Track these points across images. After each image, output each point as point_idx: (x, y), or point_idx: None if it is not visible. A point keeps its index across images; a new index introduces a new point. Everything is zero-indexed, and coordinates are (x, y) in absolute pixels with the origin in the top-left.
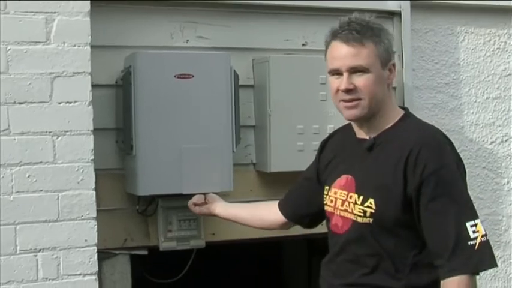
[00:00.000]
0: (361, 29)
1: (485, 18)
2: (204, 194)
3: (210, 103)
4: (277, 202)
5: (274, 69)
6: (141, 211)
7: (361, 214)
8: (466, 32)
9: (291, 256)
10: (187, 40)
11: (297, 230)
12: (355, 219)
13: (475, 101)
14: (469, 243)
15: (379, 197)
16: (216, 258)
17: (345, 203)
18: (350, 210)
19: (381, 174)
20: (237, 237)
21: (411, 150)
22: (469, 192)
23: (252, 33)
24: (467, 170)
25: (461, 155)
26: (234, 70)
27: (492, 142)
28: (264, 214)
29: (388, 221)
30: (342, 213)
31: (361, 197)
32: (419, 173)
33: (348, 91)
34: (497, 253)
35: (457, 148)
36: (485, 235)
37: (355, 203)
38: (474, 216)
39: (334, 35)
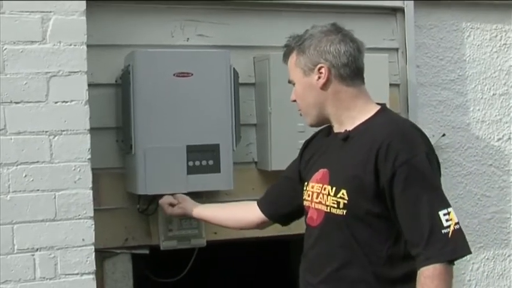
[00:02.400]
0: (289, 45)
1: (491, 14)
2: (172, 194)
3: (210, 101)
4: (254, 202)
5: (274, 67)
6: (142, 210)
7: (335, 205)
8: (471, 28)
9: (297, 255)
10: (188, 38)
11: (303, 228)
12: (328, 210)
13: (481, 98)
14: (442, 231)
15: (351, 187)
16: (219, 256)
17: (319, 196)
18: (324, 202)
19: (353, 165)
20: (240, 236)
21: (382, 141)
22: (476, 190)
23: (253, 31)
24: (473, 168)
25: (467, 153)
26: (234, 68)
27: (499, 139)
28: (241, 214)
29: (361, 211)
30: (317, 206)
31: (334, 188)
32: (390, 164)
33: (294, 101)
34: (504, 251)
35: (463, 145)
36: (458, 223)
37: (329, 194)
38: (446, 204)
39: None
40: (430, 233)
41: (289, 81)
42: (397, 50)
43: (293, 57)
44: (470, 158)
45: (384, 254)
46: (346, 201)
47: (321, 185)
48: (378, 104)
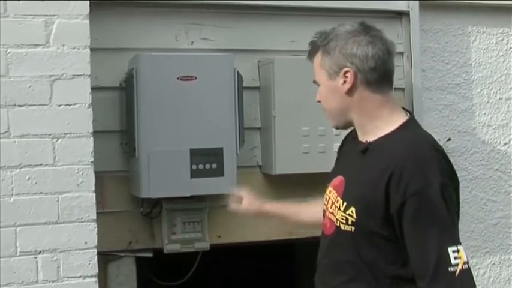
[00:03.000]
0: (314, 43)
1: (497, 18)
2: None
3: (213, 105)
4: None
5: (278, 70)
6: (146, 213)
7: (344, 221)
8: (477, 32)
9: (301, 260)
10: (192, 42)
11: (308, 232)
12: (337, 224)
13: (487, 102)
14: (449, 269)
15: (360, 207)
16: (222, 260)
17: (332, 206)
18: (335, 214)
19: (366, 182)
20: (244, 239)
21: (396, 164)
22: (482, 194)
23: (257, 35)
24: (479, 172)
25: (473, 157)
26: (238, 71)
27: (505, 144)
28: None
29: (368, 232)
30: (330, 216)
31: (345, 204)
32: (402, 191)
33: (319, 102)
34: (510, 257)
35: (469, 150)
36: (467, 262)
37: (339, 208)
38: (457, 241)
39: None
40: (436, 268)
41: (314, 82)
42: (402, 54)
43: (318, 58)
44: (476, 162)
45: (391, 275)
46: (354, 219)
47: (335, 194)
48: (405, 109)
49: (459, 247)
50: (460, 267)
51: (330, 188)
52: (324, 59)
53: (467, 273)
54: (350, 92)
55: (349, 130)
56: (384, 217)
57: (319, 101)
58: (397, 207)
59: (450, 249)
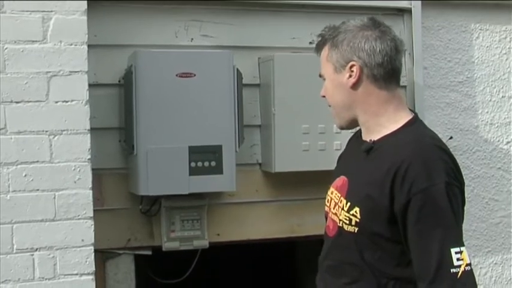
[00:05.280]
0: (323, 36)
1: (500, 15)
2: None
3: (212, 102)
4: None
5: (278, 67)
6: (145, 211)
7: (347, 222)
8: (480, 29)
9: (302, 258)
10: (192, 39)
11: (309, 231)
12: (341, 225)
13: (490, 100)
14: (451, 270)
15: (364, 207)
16: (222, 258)
17: (336, 206)
18: (338, 215)
19: (370, 183)
20: (244, 237)
21: (401, 164)
22: (484, 193)
23: (258, 32)
24: (481, 171)
25: (476, 156)
26: (237, 68)
27: (508, 142)
28: None
29: (372, 233)
30: (333, 217)
31: (349, 204)
32: (406, 190)
33: (324, 97)
34: None
35: (471, 148)
36: (470, 264)
37: (343, 208)
38: (460, 243)
39: None
40: (438, 269)
41: (320, 76)
42: (404, 51)
43: (325, 51)
44: (479, 161)
45: (394, 277)
46: (358, 220)
47: (339, 195)
48: (411, 110)
49: (462, 248)
50: (462, 268)
51: (332, 189)
52: (331, 52)
53: (469, 275)
54: (355, 86)
55: (354, 131)
56: (388, 217)
57: (324, 96)
58: (401, 206)
59: (453, 250)
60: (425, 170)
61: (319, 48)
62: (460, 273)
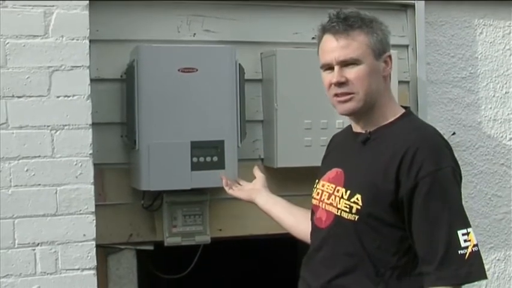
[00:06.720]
0: (350, 20)
1: (504, 10)
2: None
3: (215, 97)
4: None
5: (281, 63)
6: (147, 206)
7: (347, 210)
8: (484, 25)
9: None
10: (194, 34)
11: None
12: (339, 214)
13: (493, 96)
14: (459, 252)
15: (367, 194)
16: (225, 253)
17: (331, 197)
18: (335, 205)
19: (371, 170)
20: (246, 233)
21: (407, 150)
22: (487, 189)
23: (260, 27)
24: (484, 167)
25: (478, 152)
26: (240, 64)
27: (511, 138)
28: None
29: (373, 219)
30: (327, 207)
31: (349, 192)
32: (414, 175)
33: (340, 84)
34: None
35: (474, 144)
36: (477, 245)
37: (342, 197)
38: (467, 224)
39: (324, 29)
40: (446, 252)
41: (343, 61)
42: (407, 46)
43: (360, 35)
44: (482, 157)
45: (392, 265)
46: (359, 207)
47: (333, 186)
48: (403, 106)
49: (469, 229)
50: (469, 249)
51: (322, 182)
52: (370, 39)
53: (476, 255)
54: (387, 77)
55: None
56: (391, 202)
57: (343, 82)
58: (407, 191)
59: (460, 232)
60: (433, 154)
61: (351, 28)
62: (467, 254)
